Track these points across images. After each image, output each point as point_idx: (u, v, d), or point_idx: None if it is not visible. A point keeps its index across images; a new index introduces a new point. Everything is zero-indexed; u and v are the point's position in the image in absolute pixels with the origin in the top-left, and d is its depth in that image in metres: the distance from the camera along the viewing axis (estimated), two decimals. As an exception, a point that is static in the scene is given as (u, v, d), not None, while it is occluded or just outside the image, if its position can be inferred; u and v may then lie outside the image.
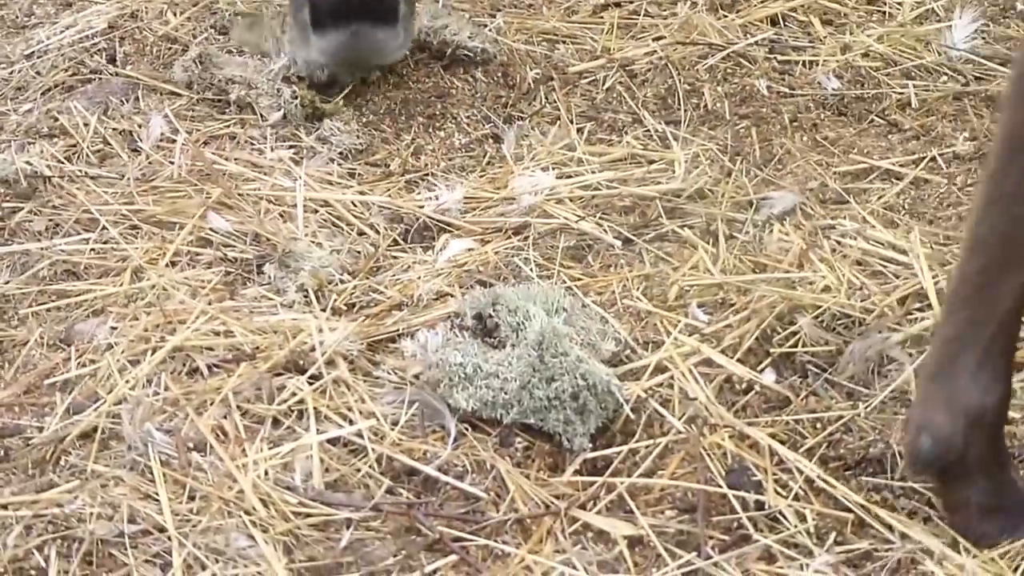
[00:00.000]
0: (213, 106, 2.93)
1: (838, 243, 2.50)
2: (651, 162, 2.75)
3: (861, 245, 2.48)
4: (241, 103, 2.91)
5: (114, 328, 2.31)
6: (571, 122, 2.88)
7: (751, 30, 3.20)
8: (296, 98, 2.88)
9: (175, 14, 3.23)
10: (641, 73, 3.05)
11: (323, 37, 2.85)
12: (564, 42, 3.18)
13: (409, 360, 2.22)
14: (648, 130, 2.86)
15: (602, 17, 3.28)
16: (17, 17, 3.34)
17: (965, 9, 3.19)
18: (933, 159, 2.75)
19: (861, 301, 2.33)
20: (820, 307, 2.31)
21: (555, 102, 2.96)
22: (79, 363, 2.25)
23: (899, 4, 3.28)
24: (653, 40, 3.16)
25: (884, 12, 3.28)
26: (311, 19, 2.87)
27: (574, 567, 1.88)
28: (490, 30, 3.21)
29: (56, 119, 2.88)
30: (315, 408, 2.13)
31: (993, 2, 3.30)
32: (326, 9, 2.84)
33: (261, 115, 2.88)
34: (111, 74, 3.04)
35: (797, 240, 2.49)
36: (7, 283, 2.47)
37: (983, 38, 3.15)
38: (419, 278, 2.42)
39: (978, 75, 3.03)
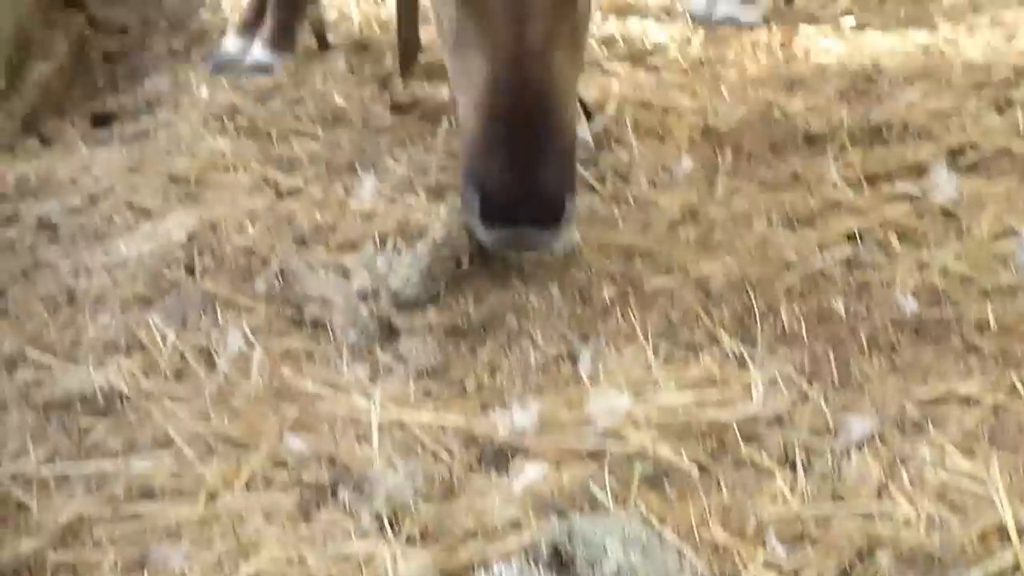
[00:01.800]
0: (290, 322, 2.96)
1: (917, 473, 2.48)
2: (726, 383, 2.74)
3: (940, 476, 2.45)
4: (318, 321, 2.93)
5: (188, 554, 2.29)
6: (647, 341, 2.88)
7: (828, 247, 3.20)
8: (374, 316, 2.90)
9: (254, 225, 3.27)
10: (717, 291, 3.05)
11: (489, 231, 2.93)
12: (640, 258, 3.19)
13: (485, 595, 2.22)
14: (724, 350, 2.85)
15: (677, 232, 3.30)
16: (97, 226, 3.38)
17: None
18: (1012, 384, 2.72)
19: (940, 536, 2.30)
20: (899, 542, 2.28)
21: (631, 320, 2.96)
22: (153, 590, 2.26)
23: (976, 220, 3.29)
24: (729, 257, 3.17)
25: (961, 228, 3.28)
26: (481, 211, 2.93)
27: None
28: (566, 245, 3.23)
29: (134, 333, 2.90)
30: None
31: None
32: (497, 209, 2.91)
33: (337, 333, 2.89)
34: (190, 286, 3.06)
35: (876, 469, 2.47)
36: (83, 503, 2.46)
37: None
38: (494, 505, 2.40)
39: (1056, 294, 3.02)
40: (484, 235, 2.95)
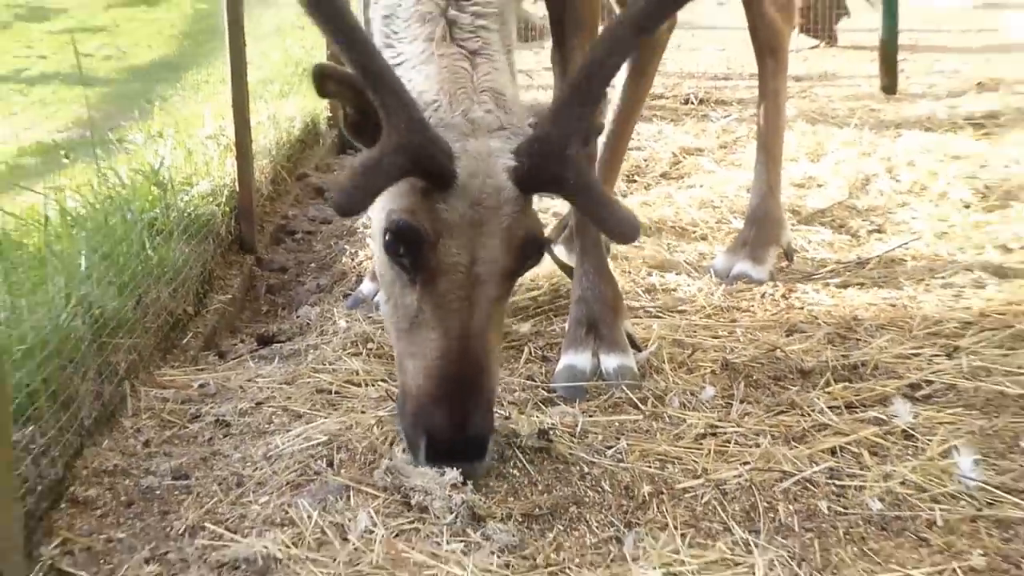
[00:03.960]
0: (402, 505, 2.96)
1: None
2: (737, 564, 2.74)
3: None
4: (422, 505, 2.94)
5: None
6: (676, 529, 2.89)
7: (815, 459, 3.21)
8: (464, 503, 2.92)
9: (379, 429, 3.32)
10: (731, 491, 3.06)
11: (432, 466, 3.01)
12: (672, 463, 3.21)
13: None
14: (735, 538, 2.86)
15: (701, 444, 3.32)
16: (260, 425, 3.45)
17: (966, 447, 3.21)
18: (954, 570, 2.71)
19: None
20: None
21: (664, 512, 2.97)
22: None
23: (929, 440, 3.30)
24: (741, 464, 3.18)
25: (916, 446, 3.28)
26: (427, 453, 3.02)
27: None
28: (615, 451, 3.28)
29: (286, 511, 2.94)
30: None
31: (1001, 440, 3.31)
32: (442, 451, 3.02)
33: (437, 515, 2.91)
34: (329, 476, 3.09)
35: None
36: None
37: (995, 470, 3.15)
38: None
39: (989, 501, 3.00)
40: (428, 471, 3.00)
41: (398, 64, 3.19)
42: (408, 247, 3.02)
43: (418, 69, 3.17)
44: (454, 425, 2.99)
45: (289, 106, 6.98)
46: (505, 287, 3.10)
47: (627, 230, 3.02)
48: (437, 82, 3.12)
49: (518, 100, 3.21)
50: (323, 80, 3.04)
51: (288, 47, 7.76)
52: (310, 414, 3.48)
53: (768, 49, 5.08)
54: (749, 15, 5.06)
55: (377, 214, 3.12)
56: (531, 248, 3.08)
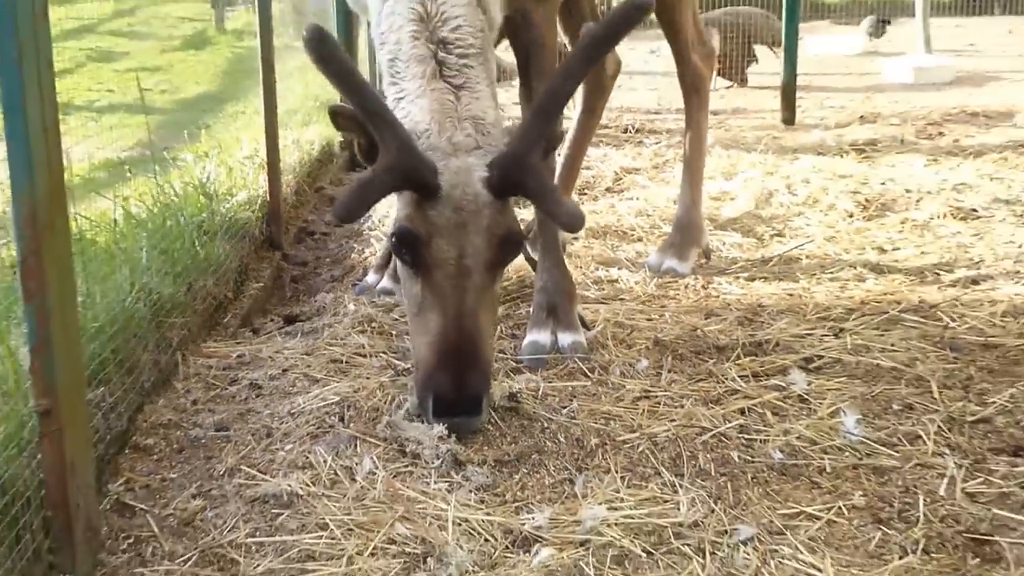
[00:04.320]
0: (399, 453, 2.97)
1: (780, 562, 2.48)
2: (665, 501, 2.75)
3: (794, 564, 2.46)
4: (414, 453, 2.95)
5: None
6: (617, 473, 2.90)
7: (728, 418, 3.22)
8: (448, 451, 2.92)
9: (381, 392, 3.32)
10: (661, 443, 3.07)
11: (437, 420, 3.00)
12: (614, 420, 3.21)
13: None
14: (664, 480, 2.87)
15: (637, 405, 3.32)
16: (286, 388, 3.44)
17: (850, 409, 3.24)
18: (840, 507, 2.73)
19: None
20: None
21: (608, 460, 2.98)
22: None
23: (820, 403, 3.31)
24: (669, 421, 3.19)
25: (810, 408, 3.29)
26: (433, 409, 3.01)
27: None
28: (569, 410, 3.28)
29: (306, 457, 2.95)
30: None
31: (878, 403, 3.32)
32: (444, 407, 3.00)
33: (426, 461, 2.92)
34: (341, 429, 3.10)
35: (754, 558, 2.48)
36: (271, 562, 2.49)
37: (872, 427, 3.16)
38: (520, 573, 2.43)
39: (868, 452, 3.02)
40: (434, 423, 3.01)
41: (400, 98, 3.20)
42: (408, 247, 3.05)
43: (415, 102, 3.17)
44: (453, 387, 3.00)
45: (309, 132, 6.96)
46: (490, 276, 3.09)
47: (575, 221, 3.07)
48: (429, 113, 3.13)
49: (498, 123, 3.22)
50: (336, 117, 3.12)
51: (308, 83, 7.73)
52: (325, 379, 3.47)
53: (693, 89, 5.08)
54: (677, 62, 5.06)
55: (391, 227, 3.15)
56: (509, 243, 3.10)
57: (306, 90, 7.72)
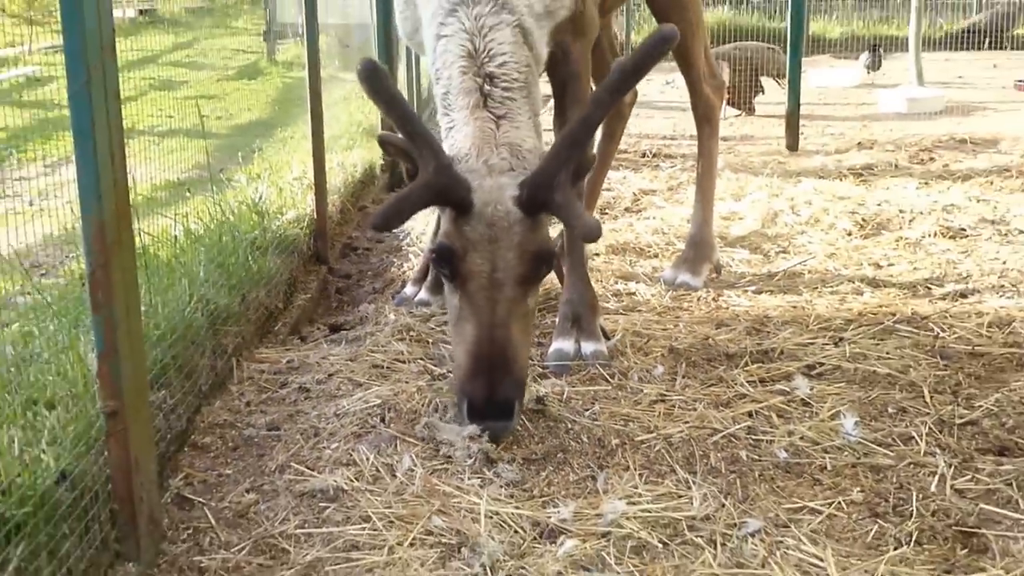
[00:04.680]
0: (435, 451, 2.97)
1: (785, 553, 2.48)
2: (680, 497, 2.75)
3: (797, 554, 2.47)
4: (448, 453, 2.95)
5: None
6: (635, 470, 2.90)
7: (737, 420, 3.21)
8: (480, 450, 2.92)
9: (419, 395, 3.31)
10: (675, 443, 3.07)
11: (472, 423, 2.98)
12: (633, 421, 3.21)
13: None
14: (679, 477, 2.87)
15: (654, 408, 3.32)
16: (332, 391, 3.45)
17: (849, 412, 3.22)
18: (840, 503, 2.73)
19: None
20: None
21: (627, 458, 2.98)
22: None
23: (821, 407, 3.30)
24: (683, 423, 3.18)
25: (812, 411, 3.28)
26: (468, 413, 3.00)
27: None
28: (591, 413, 3.28)
29: (351, 455, 2.95)
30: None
31: (874, 407, 3.30)
32: (477, 412, 2.99)
33: (460, 459, 2.91)
34: (382, 429, 3.10)
35: (761, 549, 2.48)
36: (319, 551, 2.49)
37: (869, 429, 3.15)
38: (548, 562, 2.42)
39: (866, 452, 3.01)
40: (470, 425, 3.00)
41: (450, 128, 3.24)
42: (446, 261, 3.06)
43: (461, 130, 3.21)
44: (485, 393, 2.98)
45: (353, 155, 6.97)
46: (522, 290, 3.08)
47: (592, 233, 3.04)
48: (471, 139, 3.16)
49: (536, 150, 3.22)
50: (384, 145, 3.20)
51: (352, 111, 7.75)
52: (368, 383, 3.47)
53: (704, 118, 5.08)
54: (691, 93, 5.06)
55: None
56: (540, 258, 3.10)
57: (350, 117, 7.74)
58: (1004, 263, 4.96)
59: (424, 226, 5.25)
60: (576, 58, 3.82)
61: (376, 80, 2.97)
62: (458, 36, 3.27)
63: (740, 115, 10.87)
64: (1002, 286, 4.58)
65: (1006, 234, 5.51)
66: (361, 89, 3.06)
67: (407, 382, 3.45)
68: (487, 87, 3.23)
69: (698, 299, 4.53)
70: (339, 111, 7.62)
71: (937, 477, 2.83)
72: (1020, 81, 12.38)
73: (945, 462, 2.91)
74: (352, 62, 7.85)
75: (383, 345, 3.85)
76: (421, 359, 3.71)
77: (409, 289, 4.56)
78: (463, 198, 3.01)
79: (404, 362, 3.69)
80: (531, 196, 3.02)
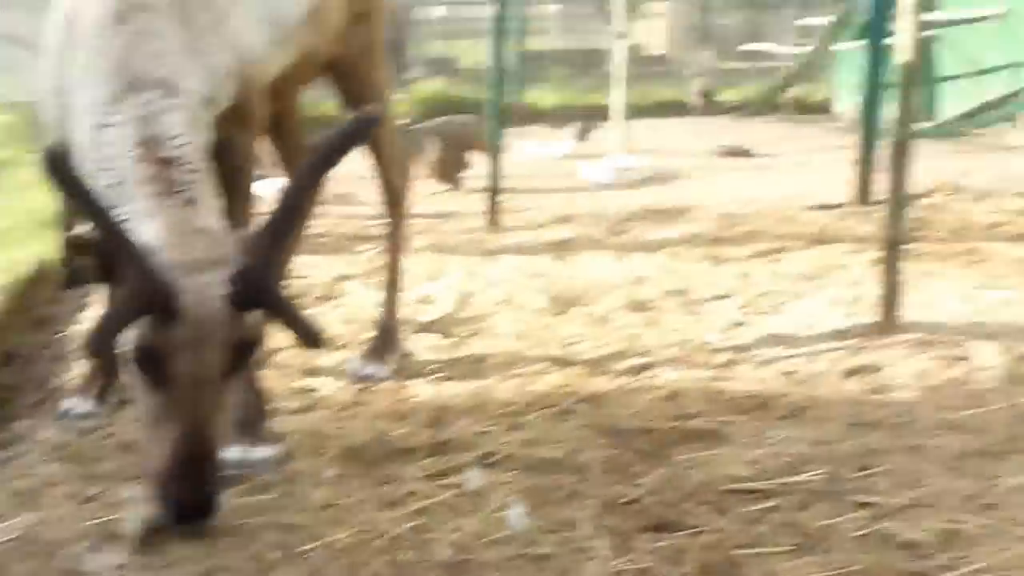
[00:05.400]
0: None
1: None
2: None
3: None
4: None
5: None
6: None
7: (405, 519, 3.23)
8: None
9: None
10: (338, 551, 3.05)
11: (178, 524, 3.01)
12: (297, 530, 3.17)
13: None
14: None
15: (321, 514, 3.28)
16: None
17: (518, 501, 3.31)
18: None
19: None
20: None
21: (287, 572, 2.94)
22: None
23: (491, 497, 3.36)
24: (349, 528, 3.17)
25: (482, 503, 3.34)
26: (166, 517, 3.01)
27: None
28: (250, 526, 3.20)
29: None
30: None
31: (540, 493, 3.38)
32: (177, 518, 3.02)
33: None
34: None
35: None
36: None
37: (537, 516, 3.23)
38: None
39: (531, 541, 3.09)
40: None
41: (132, 219, 3.12)
42: (151, 365, 3.01)
43: (148, 222, 3.10)
44: (193, 495, 3.00)
45: (25, 251, 6.61)
46: (226, 384, 3.09)
47: (315, 337, 3.10)
48: (164, 230, 3.08)
49: (229, 233, 3.20)
50: (72, 247, 3.12)
51: (26, 200, 7.37)
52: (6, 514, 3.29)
53: (392, 207, 5.16)
54: (379, 179, 5.12)
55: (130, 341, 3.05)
56: (246, 347, 3.11)
57: (23, 206, 7.36)
58: (683, 335, 5.25)
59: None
60: (240, 151, 3.82)
61: (63, 170, 2.88)
62: (130, 124, 3.23)
63: (449, 189, 11.11)
64: (678, 358, 4.85)
65: (686, 304, 5.85)
66: (44, 177, 2.92)
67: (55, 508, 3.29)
68: (169, 172, 3.19)
69: (381, 391, 4.55)
70: (12, 199, 7.28)
71: (597, 560, 2.94)
72: (722, 147, 13.20)
73: (606, 544, 3.03)
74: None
75: (30, 468, 3.65)
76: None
77: (72, 401, 4.34)
78: (171, 305, 2.96)
79: (54, 484, 3.51)
80: (244, 293, 3.03)
